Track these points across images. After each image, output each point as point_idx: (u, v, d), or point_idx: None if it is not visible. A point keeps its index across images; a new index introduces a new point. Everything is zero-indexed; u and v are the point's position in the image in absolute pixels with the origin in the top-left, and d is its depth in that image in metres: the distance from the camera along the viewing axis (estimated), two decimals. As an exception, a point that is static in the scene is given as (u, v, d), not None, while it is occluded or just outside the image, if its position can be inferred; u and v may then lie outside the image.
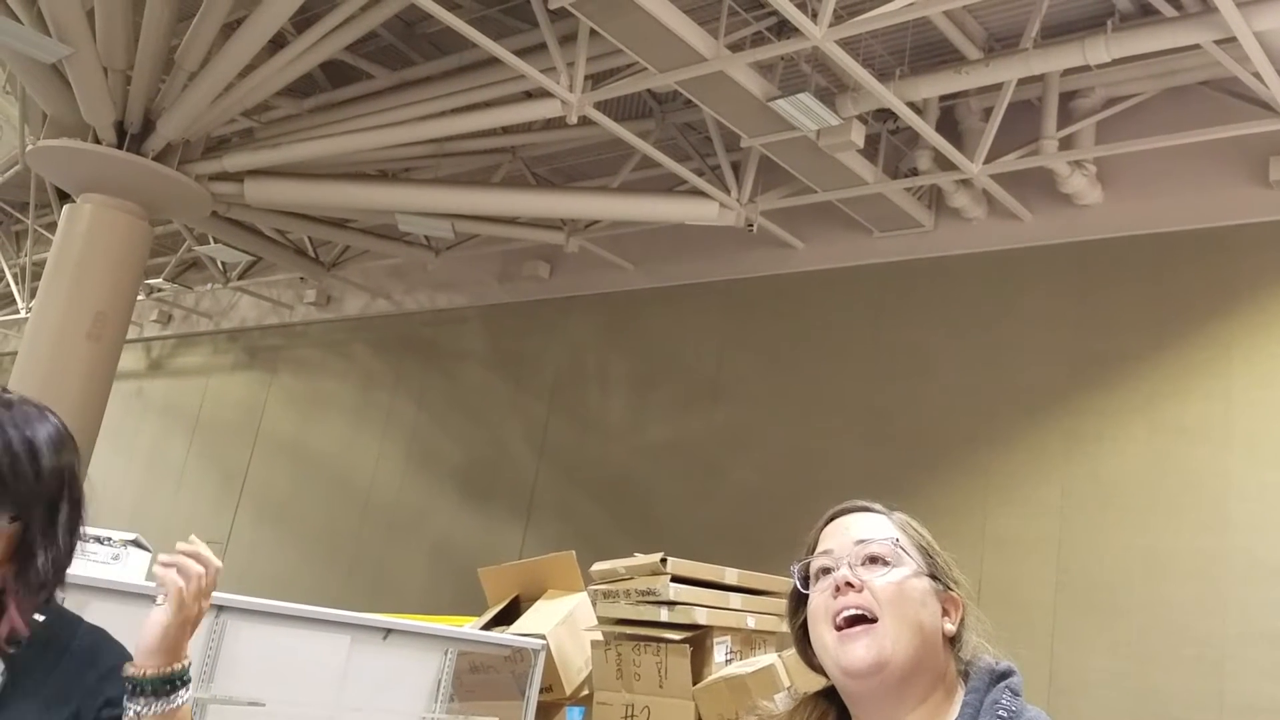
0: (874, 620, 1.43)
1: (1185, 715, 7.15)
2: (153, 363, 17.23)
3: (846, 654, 1.42)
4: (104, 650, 1.58)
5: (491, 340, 12.61)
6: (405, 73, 9.85)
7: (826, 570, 1.50)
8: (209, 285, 15.72)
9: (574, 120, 8.22)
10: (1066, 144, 8.16)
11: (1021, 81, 7.89)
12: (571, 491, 11.14)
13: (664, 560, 4.71)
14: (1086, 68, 7.59)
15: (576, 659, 5.13)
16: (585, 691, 5.07)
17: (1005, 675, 1.45)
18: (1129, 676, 7.44)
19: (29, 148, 9.53)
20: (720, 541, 8.82)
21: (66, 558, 1.55)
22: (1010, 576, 7.99)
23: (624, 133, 8.75)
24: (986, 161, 8.13)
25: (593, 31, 7.62)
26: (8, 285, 16.26)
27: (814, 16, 6.82)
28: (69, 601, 1.64)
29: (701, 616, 4.69)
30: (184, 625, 1.51)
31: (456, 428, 12.52)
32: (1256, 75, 6.94)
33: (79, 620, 1.62)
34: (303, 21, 8.69)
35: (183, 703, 1.50)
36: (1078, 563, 7.89)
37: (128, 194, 9.22)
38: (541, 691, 4.81)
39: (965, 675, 1.47)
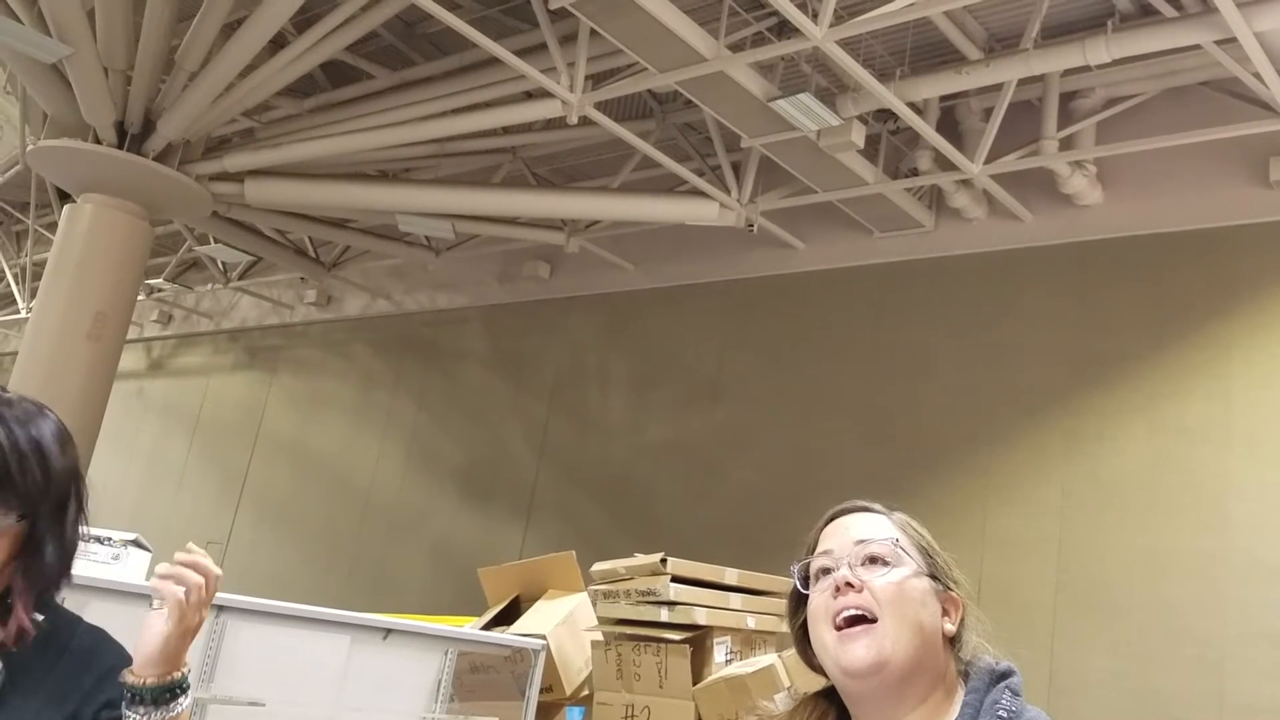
0: (874, 620, 1.43)
1: (1185, 715, 7.15)
2: (153, 363, 17.23)
3: (846, 654, 1.42)
4: (103, 650, 1.58)
5: (492, 340, 12.62)
6: (405, 73, 9.85)
7: (826, 570, 1.50)
8: (209, 285, 15.73)
9: (574, 120, 8.22)
10: (1067, 144, 8.16)
11: (1022, 82, 7.89)
12: (572, 491, 11.15)
13: (664, 560, 4.71)
14: (1087, 68, 7.59)
15: (576, 659, 5.13)
16: (585, 692, 5.07)
17: (1005, 675, 1.45)
18: (1129, 676, 7.44)
19: (29, 148, 9.54)
20: (720, 541, 8.82)
21: (72, 555, 1.56)
22: (1010, 576, 7.99)
23: (624, 133, 8.76)
24: (987, 162, 8.13)
25: (593, 32, 7.62)
26: (8, 285, 16.27)
27: (814, 17, 6.82)
28: (68, 601, 1.63)
29: (701, 617, 4.68)
30: (184, 635, 1.50)
31: (457, 428, 12.52)
32: (1257, 75, 6.94)
33: (78, 620, 1.62)
34: (303, 22, 8.70)
35: (182, 710, 1.50)
36: (1078, 563, 7.89)
37: (128, 194, 9.22)
38: (541, 691, 4.81)
39: (965, 675, 1.47)
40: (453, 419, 12.61)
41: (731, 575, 4.96)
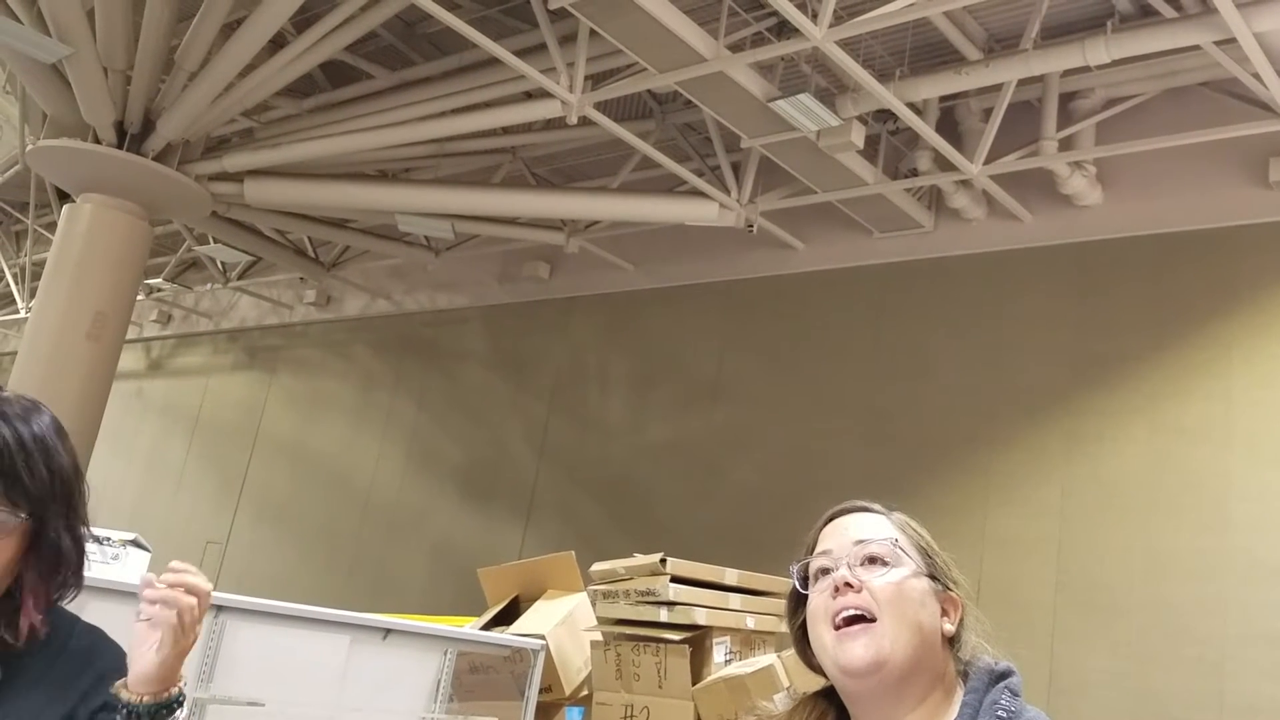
0: (873, 620, 1.43)
1: (1185, 715, 7.15)
2: (152, 363, 17.23)
3: (845, 652, 1.42)
4: (101, 650, 1.57)
5: (492, 341, 12.62)
6: (405, 73, 9.85)
7: (826, 570, 1.50)
8: (209, 285, 15.73)
9: (574, 121, 8.22)
10: (1066, 145, 8.16)
11: (1021, 82, 7.89)
12: (571, 492, 11.15)
13: (663, 560, 4.70)
14: (1086, 68, 7.59)
15: (576, 659, 5.13)
16: (585, 692, 5.07)
17: (1005, 675, 1.45)
18: (1129, 676, 7.44)
19: (29, 147, 9.54)
20: (720, 542, 8.82)
21: (83, 551, 1.55)
22: (1010, 576, 7.99)
23: (624, 133, 8.76)
24: (986, 162, 8.13)
25: (593, 32, 7.62)
26: (8, 285, 16.27)
27: (814, 17, 6.82)
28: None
29: (701, 617, 4.68)
30: (180, 655, 1.49)
31: (457, 428, 12.52)
32: (1256, 76, 6.94)
33: (76, 619, 1.61)
34: (303, 21, 8.70)
35: None
36: (1078, 563, 7.89)
37: (127, 194, 9.22)
38: (541, 692, 4.81)
39: (964, 675, 1.47)
40: (453, 419, 12.61)
41: (731, 575, 4.95)
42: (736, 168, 9.55)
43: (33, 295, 13.14)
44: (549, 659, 4.93)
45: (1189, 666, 7.23)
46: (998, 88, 7.95)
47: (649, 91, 9.41)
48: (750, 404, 10.08)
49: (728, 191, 9.44)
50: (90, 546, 1.60)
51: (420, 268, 12.95)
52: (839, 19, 6.90)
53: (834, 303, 9.87)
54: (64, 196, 9.90)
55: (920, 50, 8.25)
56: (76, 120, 8.94)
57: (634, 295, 11.42)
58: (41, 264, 10.44)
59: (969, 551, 7.97)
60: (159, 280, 15.43)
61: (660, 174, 9.80)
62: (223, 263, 14.50)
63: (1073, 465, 8.13)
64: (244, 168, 9.57)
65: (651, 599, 4.65)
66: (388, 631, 4.20)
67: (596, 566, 4.93)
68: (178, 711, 1.49)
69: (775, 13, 7.12)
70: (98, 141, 8.96)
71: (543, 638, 4.92)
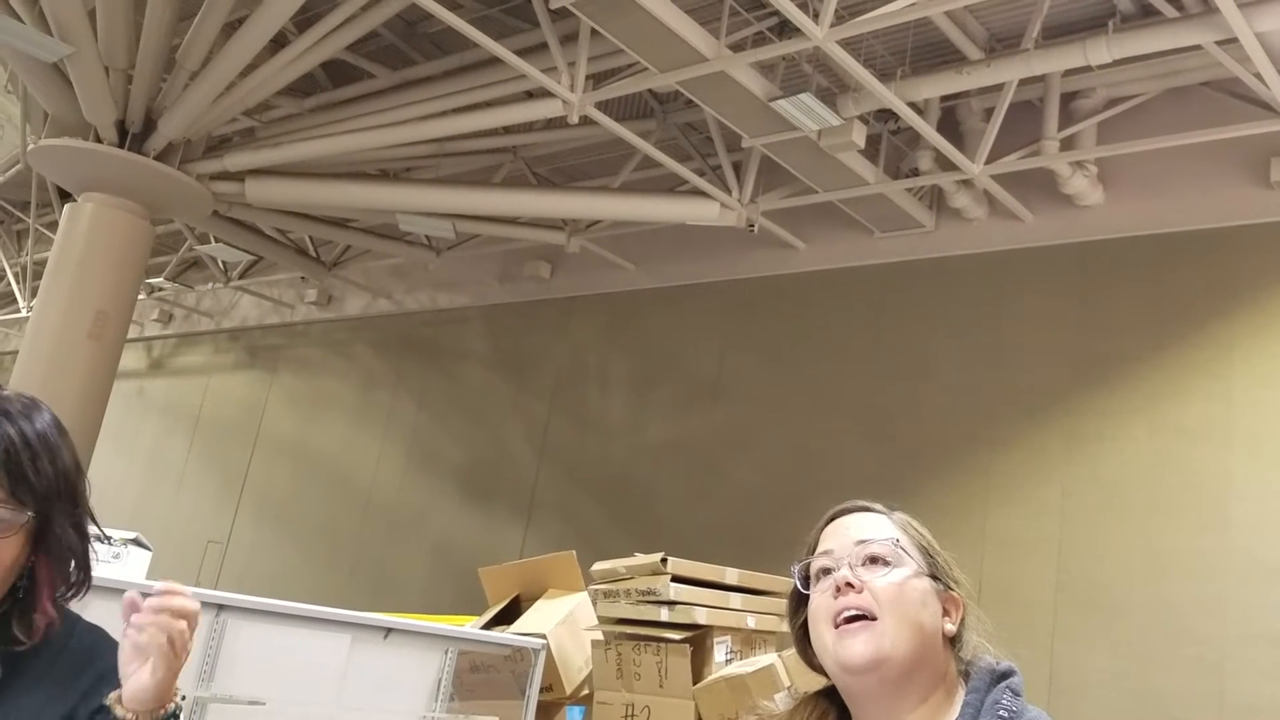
0: (874, 620, 1.43)
1: (1185, 715, 7.15)
2: (153, 362, 17.23)
3: (845, 649, 1.42)
4: (102, 650, 1.57)
5: (492, 340, 12.62)
6: (406, 72, 9.85)
7: (827, 570, 1.50)
8: (210, 285, 15.74)
9: (575, 120, 8.22)
10: (1068, 144, 8.16)
11: (1023, 82, 7.89)
12: (572, 491, 11.15)
13: (664, 560, 4.70)
14: (1088, 68, 7.59)
15: (577, 658, 5.13)
16: (585, 691, 5.07)
17: (1006, 675, 1.45)
18: (1129, 676, 7.44)
19: (30, 147, 9.54)
20: (720, 541, 8.82)
21: (88, 546, 1.56)
22: (1010, 576, 7.99)
23: (625, 133, 8.75)
24: (987, 162, 8.13)
25: (594, 31, 7.62)
26: (9, 284, 16.28)
27: (815, 17, 6.82)
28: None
29: (702, 616, 4.68)
30: (174, 674, 1.47)
31: (457, 428, 12.52)
32: (1258, 76, 6.94)
33: (77, 619, 1.61)
34: (304, 21, 8.70)
35: None
36: (1078, 563, 7.89)
37: (129, 193, 9.22)
38: (541, 691, 4.81)
39: (966, 675, 1.47)
40: (453, 419, 12.61)
41: (732, 575, 4.95)
42: (737, 167, 9.55)
43: (34, 294, 13.15)
44: (550, 658, 4.93)
45: (1189, 666, 7.23)
46: (999, 87, 7.95)
47: (650, 91, 9.41)
48: (751, 404, 10.08)
49: (729, 191, 9.44)
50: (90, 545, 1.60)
51: (421, 267, 12.95)
52: (840, 18, 6.90)
53: (834, 302, 9.87)
54: (65, 196, 9.91)
55: (921, 50, 8.25)
56: (78, 119, 8.95)
57: (635, 295, 11.42)
58: (43, 263, 10.44)
59: (969, 551, 7.97)
60: (160, 279, 15.44)
61: (661, 174, 9.80)
62: (224, 262, 14.50)
63: (1073, 465, 8.13)
64: (245, 167, 9.57)
65: (652, 598, 4.65)
66: (388, 631, 4.20)
67: (597, 566, 4.93)
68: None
69: (776, 12, 7.12)
70: (99, 141, 8.97)
71: (544, 637, 4.92)
